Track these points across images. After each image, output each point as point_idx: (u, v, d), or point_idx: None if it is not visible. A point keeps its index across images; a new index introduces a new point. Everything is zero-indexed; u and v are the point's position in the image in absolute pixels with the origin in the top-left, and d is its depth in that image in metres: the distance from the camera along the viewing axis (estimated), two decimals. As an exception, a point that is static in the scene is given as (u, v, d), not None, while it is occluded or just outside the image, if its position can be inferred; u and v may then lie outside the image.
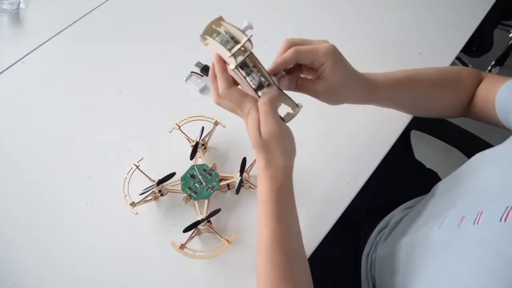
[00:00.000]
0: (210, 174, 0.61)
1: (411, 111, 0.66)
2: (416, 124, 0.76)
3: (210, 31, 0.46)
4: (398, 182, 0.79)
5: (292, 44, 0.48)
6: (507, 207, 0.37)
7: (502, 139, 0.49)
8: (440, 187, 0.57)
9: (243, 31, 0.43)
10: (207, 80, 0.75)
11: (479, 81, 0.60)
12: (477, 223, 0.39)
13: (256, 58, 0.45)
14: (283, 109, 0.48)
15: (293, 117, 0.49)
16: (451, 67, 0.62)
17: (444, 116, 0.66)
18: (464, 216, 0.42)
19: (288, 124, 0.49)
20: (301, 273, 0.47)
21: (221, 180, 0.60)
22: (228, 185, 0.61)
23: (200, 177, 0.60)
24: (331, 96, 0.52)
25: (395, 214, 0.69)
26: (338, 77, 0.49)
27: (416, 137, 0.88)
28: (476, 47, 1.21)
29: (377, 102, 0.58)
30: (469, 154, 0.76)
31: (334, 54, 0.48)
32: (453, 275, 0.38)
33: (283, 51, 0.48)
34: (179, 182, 0.60)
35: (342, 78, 0.50)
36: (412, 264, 0.48)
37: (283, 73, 0.49)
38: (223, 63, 0.47)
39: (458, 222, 0.42)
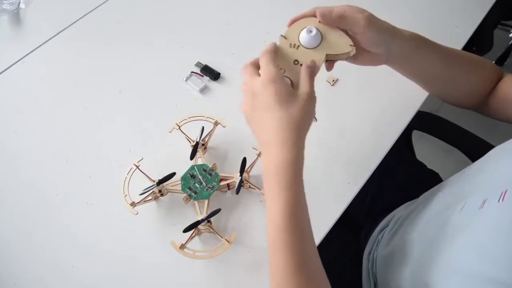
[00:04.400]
0: (210, 174, 0.61)
1: (429, 85, 0.64)
2: (417, 124, 0.76)
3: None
4: (399, 182, 0.79)
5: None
6: None
7: (502, 139, 0.50)
8: (450, 181, 0.57)
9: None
10: (207, 80, 0.75)
11: (499, 76, 0.60)
12: (502, 200, 0.40)
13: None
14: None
15: None
16: (476, 55, 0.61)
17: (458, 102, 0.65)
18: (486, 199, 0.42)
19: None
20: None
21: (221, 180, 0.60)
22: (228, 185, 0.61)
23: (200, 177, 0.60)
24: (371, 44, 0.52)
25: (397, 213, 0.69)
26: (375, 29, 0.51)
27: (416, 137, 0.88)
28: (476, 47, 1.21)
29: (399, 52, 0.56)
30: (469, 154, 0.76)
31: (367, 22, 0.50)
32: (481, 250, 0.39)
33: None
34: (179, 182, 0.60)
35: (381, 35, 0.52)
36: (427, 252, 0.48)
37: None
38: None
39: (480, 204, 0.43)
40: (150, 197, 0.60)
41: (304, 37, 0.50)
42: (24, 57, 0.81)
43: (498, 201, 0.40)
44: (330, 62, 0.54)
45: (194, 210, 0.59)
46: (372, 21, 0.51)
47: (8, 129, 0.72)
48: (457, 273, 0.41)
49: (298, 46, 0.51)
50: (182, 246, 0.54)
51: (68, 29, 0.85)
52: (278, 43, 0.51)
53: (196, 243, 0.59)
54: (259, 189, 0.60)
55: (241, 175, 0.59)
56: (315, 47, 0.51)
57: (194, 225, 0.54)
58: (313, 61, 0.49)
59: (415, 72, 0.60)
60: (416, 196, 0.67)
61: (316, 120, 0.50)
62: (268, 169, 0.45)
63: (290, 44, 0.51)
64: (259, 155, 0.61)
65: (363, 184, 0.62)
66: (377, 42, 0.52)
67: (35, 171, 0.67)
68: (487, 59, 0.61)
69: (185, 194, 0.59)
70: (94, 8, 0.88)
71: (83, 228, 0.61)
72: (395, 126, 0.68)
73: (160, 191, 0.61)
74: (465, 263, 0.40)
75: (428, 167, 0.84)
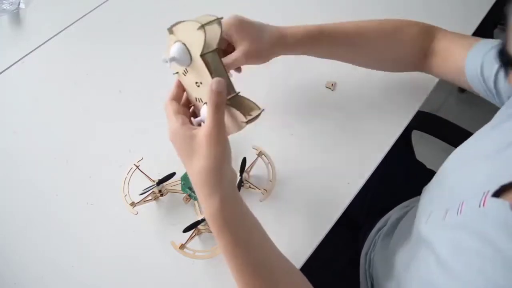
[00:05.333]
0: (210, 174, 0.60)
1: (347, 62, 0.65)
2: (417, 124, 0.76)
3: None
4: (399, 182, 0.79)
5: None
6: (484, 193, 0.38)
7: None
8: (427, 187, 0.57)
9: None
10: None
11: (431, 35, 0.60)
12: (460, 212, 0.40)
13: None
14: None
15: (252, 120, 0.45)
16: (391, 19, 0.62)
17: (389, 70, 0.66)
18: (448, 209, 0.43)
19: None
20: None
21: (221, 180, 0.60)
22: (228, 185, 0.61)
23: (200, 177, 0.60)
24: (251, 59, 0.56)
25: (393, 213, 0.69)
26: (245, 41, 0.55)
27: (416, 137, 0.88)
28: (476, 47, 1.21)
29: (297, 52, 0.60)
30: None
31: (235, 24, 0.55)
32: (444, 265, 0.39)
33: None
34: (179, 182, 0.60)
35: (250, 41, 0.55)
36: (406, 262, 0.49)
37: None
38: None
39: (443, 215, 0.43)
40: (150, 197, 0.60)
41: (175, 64, 0.46)
42: (24, 57, 0.81)
43: (457, 213, 0.41)
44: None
45: (194, 210, 0.59)
46: (233, 21, 0.55)
47: (8, 129, 0.72)
48: (425, 286, 0.41)
49: (185, 69, 0.46)
50: (182, 246, 0.54)
51: (68, 29, 0.85)
52: (176, 76, 0.49)
53: (196, 243, 0.59)
54: (259, 189, 0.60)
55: (241, 175, 0.59)
56: (191, 62, 0.45)
57: (194, 225, 0.54)
58: (216, 82, 0.41)
59: (323, 57, 0.62)
60: (415, 196, 0.67)
61: (262, 109, 0.45)
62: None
63: (184, 71, 0.47)
64: (259, 155, 0.61)
65: (363, 184, 0.62)
66: (247, 39, 0.55)
67: (35, 171, 0.67)
68: (413, 21, 0.62)
69: (185, 194, 0.59)
70: (94, 8, 0.88)
71: (83, 228, 0.61)
72: (395, 126, 0.68)
73: (160, 191, 0.61)
74: (430, 277, 0.40)
75: (428, 167, 0.84)
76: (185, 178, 0.60)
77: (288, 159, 0.64)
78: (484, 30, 0.71)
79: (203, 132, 0.41)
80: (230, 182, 0.43)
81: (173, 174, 0.60)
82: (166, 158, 0.66)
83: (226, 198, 0.41)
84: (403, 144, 0.88)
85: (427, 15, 0.83)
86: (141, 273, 0.57)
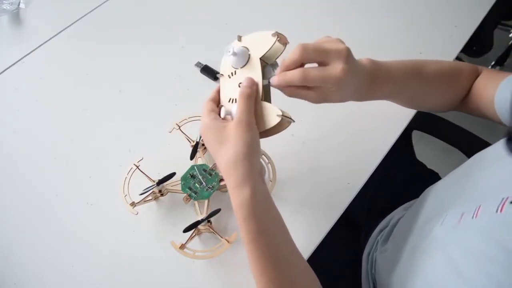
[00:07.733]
0: (210, 174, 0.61)
1: (407, 105, 0.65)
2: (417, 124, 0.76)
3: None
4: (399, 182, 0.79)
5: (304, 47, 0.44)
6: (503, 198, 0.38)
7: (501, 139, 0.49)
8: (438, 187, 0.57)
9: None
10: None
11: (476, 76, 0.60)
12: (476, 216, 0.40)
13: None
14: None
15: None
16: (449, 62, 0.61)
17: (437, 111, 0.66)
18: (464, 212, 0.42)
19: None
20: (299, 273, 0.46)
21: (221, 180, 0.60)
22: (228, 185, 0.61)
23: (200, 177, 0.60)
24: (329, 100, 0.48)
25: (396, 214, 0.69)
26: (346, 88, 0.46)
27: (416, 137, 0.88)
28: (476, 47, 1.21)
29: (374, 98, 0.56)
30: (469, 154, 0.76)
31: (347, 60, 0.45)
32: (455, 269, 0.38)
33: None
34: (179, 182, 0.60)
35: (350, 86, 0.47)
36: (411, 263, 0.48)
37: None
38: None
39: (458, 218, 0.43)
40: (150, 197, 0.60)
41: (231, 60, 0.49)
42: (24, 57, 0.81)
43: (472, 217, 0.40)
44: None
45: (194, 210, 0.59)
46: (348, 57, 0.45)
47: (8, 129, 0.72)
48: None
49: (235, 71, 0.50)
50: (182, 246, 0.54)
51: (68, 29, 0.85)
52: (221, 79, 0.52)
53: (196, 243, 0.59)
54: (259, 189, 0.60)
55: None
56: (245, 65, 0.48)
57: (194, 225, 0.54)
58: (247, 78, 0.46)
59: (381, 99, 0.58)
60: (416, 196, 0.67)
61: (293, 121, 0.46)
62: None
63: (230, 74, 0.50)
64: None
65: (363, 184, 0.62)
66: (348, 85, 0.47)
67: (35, 171, 0.67)
68: (463, 63, 0.61)
69: (185, 194, 0.59)
70: (94, 8, 0.88)
71: (83, 228, 0.61)
72: (395, 126, 0.68)
73: (160, 191, 0.61)
74: (441, 283, 0.40)
75: (428, 167, 0.84)
76: (185, 178, 0.60)
77: (288, 159, 0.64)
78: (484, 30, 0.71)
79: (233, 121, 0.44)
80: (259, 174, 0.45)
81: (173, 174, 0.60)
82: (166, 158, 0.66)
83: (256, 188, 0.43)
84: (403, 144, 0.88)
85: (428, 15, 0.83)
86: (141, 273, 0.57)
